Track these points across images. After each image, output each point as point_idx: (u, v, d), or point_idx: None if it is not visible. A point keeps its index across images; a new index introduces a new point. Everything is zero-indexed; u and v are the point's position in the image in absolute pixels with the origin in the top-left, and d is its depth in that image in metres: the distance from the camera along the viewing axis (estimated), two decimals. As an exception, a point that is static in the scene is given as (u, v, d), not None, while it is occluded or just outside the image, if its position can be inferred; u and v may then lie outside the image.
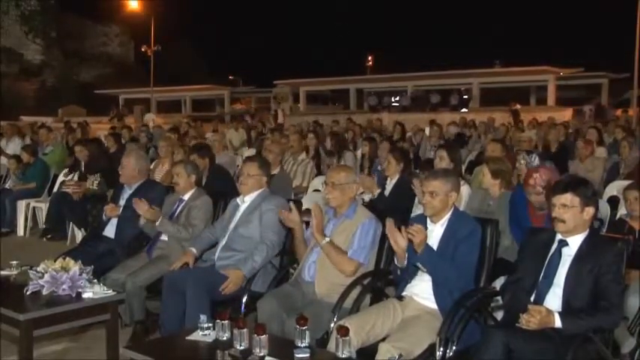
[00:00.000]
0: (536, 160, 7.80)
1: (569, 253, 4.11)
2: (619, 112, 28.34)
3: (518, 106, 28.16)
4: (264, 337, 3.68)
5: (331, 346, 3.91)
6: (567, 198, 4.07)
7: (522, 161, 7.61)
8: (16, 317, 4.60)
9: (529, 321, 3.83)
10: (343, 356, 3.54)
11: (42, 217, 10.79)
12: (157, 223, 5.98)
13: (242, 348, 3.72)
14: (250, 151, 12.12)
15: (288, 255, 5.61)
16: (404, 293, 4.56)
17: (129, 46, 61.95)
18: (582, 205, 4.07)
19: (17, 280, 5.23)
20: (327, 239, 4.90)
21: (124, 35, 61.69)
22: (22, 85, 52.98)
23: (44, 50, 55.75)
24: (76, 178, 10.65)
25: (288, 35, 70.98)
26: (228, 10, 71.71)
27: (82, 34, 59.65)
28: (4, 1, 54.11)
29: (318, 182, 8.91)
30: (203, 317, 4.11)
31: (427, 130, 15.05)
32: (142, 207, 5.94)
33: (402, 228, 4.46)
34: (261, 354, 3.64)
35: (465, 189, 6.36)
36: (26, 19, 55.02)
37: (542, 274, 4.15)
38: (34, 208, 11.05)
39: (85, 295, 4.90)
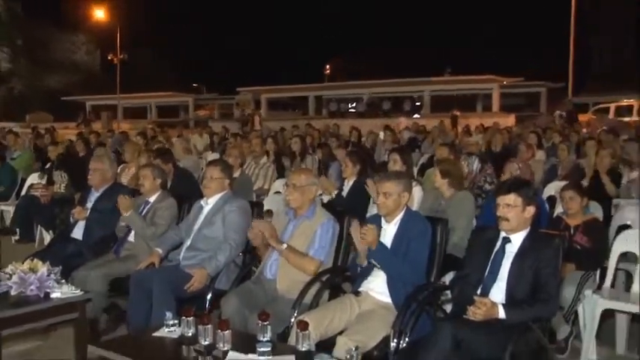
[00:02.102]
0: (475, 162, 7.89)
1: (511, 250, 4.22)
2: (588, 116, 28.98)
3: (457, 113, 28.46)
4: (227, 332, 3.69)
5: (292, 339, 3.93)
6: (511, 198, 4.19)
7: (464, 163, 7.71)
8: (-16, 317, 4.56)
9: (475, 312, 3.93)
10: (303, 349, 3.56)
11: (9, 219, 10.67)
12: (128, 214, 5.96)
13: (206, 343, 3.71)
14: (213, 155, 12.07)
15: (250, 254, 5.61)
16: (360, 289, 4.60)
17: (95, 55, 61.38)
18: (524, 204, 4.19)
19: (-14, 281, 5.17)
20: (285, 245, 4.92)
21: (90, 44, 61.09)
22: (-9, 92, 52.36)
23: (11, 58, 55.10)
24: (44, 181, 10.56)
25: (250, 44, 70.77)
26: (193, 20, 71.34)
27: (49, 43, 58.92)
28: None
29: (279, 184, 8.91)
30: (169, 314, 4.11)
31: (381, 135, 15.12)
32: (124, 202, 5.95)
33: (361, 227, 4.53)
34: (225, 348, 3.65)
35: (416, 190, 6.41)
36: (-7, 27, 54.44)
37: (487, 269, 4.25)
38: (1, 211, 10.92)
39: (53, 295, 4.85)
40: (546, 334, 4.17)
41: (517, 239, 4.23)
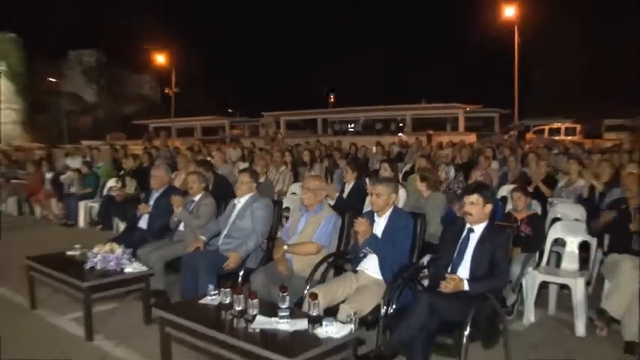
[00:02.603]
0: (452, 170, 7.85)
1: (474, 237, 4.19)
2: (530, 135, 29.33)
3: (432, 132, 28.62)
4: (255, 300, 3.67)
5: (305, 307, 3.92)
6: (474, 197, 4.17)
7: (443, 171, 7.67)
8: (80, 284, 4.83)
9: (447, 286, 3.92)
10: (314, 314, 3.50)
11: (95, 213, 10.68)
12: (179, 210, 5.92)
13: (239, 309, 3.69)
14: (244, 165, 12.01)
15: (272, 241, 5.56)
16: (358, 268, 4.54)
17: (156, 89, 61.64)
18: (484, 202, 4.17)
19: (79, 259, 5.36)
20: (286, 247, 4.97)
21: (153, 81, 61.35)
22: (82, 118, 52.60)
23: (97, 93, 55.42)
24: (119, 184, 10.56)
25: (272, 79, 71.53)
26: (228, 62, 72.12)
27: (124, 81, 59.29)
28: (72, 60, 53.88)
29: (295, 187, 8.86)
30: (211, 286, 4.10)
31: (374, 149, 15.07)
32: (176, 200, 5.93)
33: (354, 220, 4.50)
34: (254, 313, 3.62)
35: (402, 192, 6.38)
36: (86, 71, 54.80)
37: (456, 253, 4.21)
38: (90, 207, 10.93)
39: (126, 270, 5.08)
40: (499, 301, 4.13)
41: (478, 229, 4.19)
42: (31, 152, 18.31)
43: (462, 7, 58.61)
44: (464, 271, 4.09)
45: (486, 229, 4.18)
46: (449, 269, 4.13)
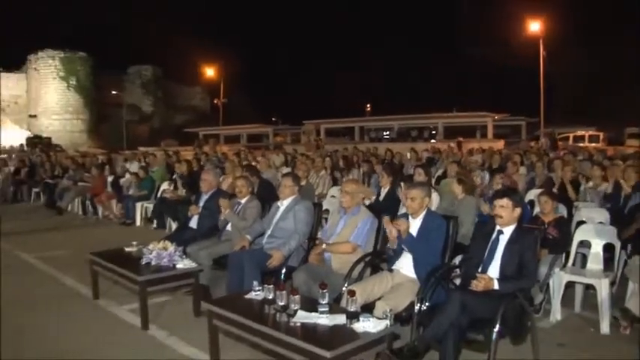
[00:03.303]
0: (486, 175, 7.74)
1: (504, 239, 4.09)
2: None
3: (462, 139, 28.23)
4: (297, 296, 3.64)
5: (343, 303, 3.82)
6: (504, 201, 4.09)
7: (478, 176, 7.56)
8: (136, 278, 4.90)
9: (477, 285, 3.82)
10: (351, 310, 3.44)
11: (150, 213, 10.82)
12: (227, 212, 5.92)
13: (282, 304, 3.65)
14: (287, 169, 12.03)
15: (313, 241, 5.52)
16: (393, 267, 4.47)
17: (206, 100, 62.41)
18: (513, 206, 4.08)
19: (136, 254, 5.42)
20: (324, 246, 4.94)
21: (203, 93, 62.16)
22: (140, 127, 53.61)
23: (153, 104, 56.38)
24: (172, 187, 10.67)
25: (313, 90, 72.03)
26: (271, 74, 72.94)
27: (177, 93, 60.22)
28: (132, 75, 55.03)
29: (334, 190, 8.81)
30: (255, 283, 4.09)
31: (408, 155, 14.94)
32: (224, 203, 5.94)
33: (393, 221, 4.44)
34: (295, 308, 3.59)
35: (434, 195, 6.26)
36: (144, 85, 55.86)
37: (486, 253, 4.11)
38: (146, 207, 11.07)
39: (178, 266, 5.12)
40: (527, 300, 4.03)
41: (508, 231, 4.09)
42: (95, 157, 18.69)
43: (490, 21, 58.00)
44: (494, 270, 4.00)
45: (515, 231, 4.08)
46: (479, 269, 4.04)
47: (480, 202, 6.26)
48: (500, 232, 4.10)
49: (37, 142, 39.97)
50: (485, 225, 4.53)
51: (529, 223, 5.09)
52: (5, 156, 23.26)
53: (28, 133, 44.61)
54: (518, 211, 4.10)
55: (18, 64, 49.33)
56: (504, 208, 4.06)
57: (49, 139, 43.15)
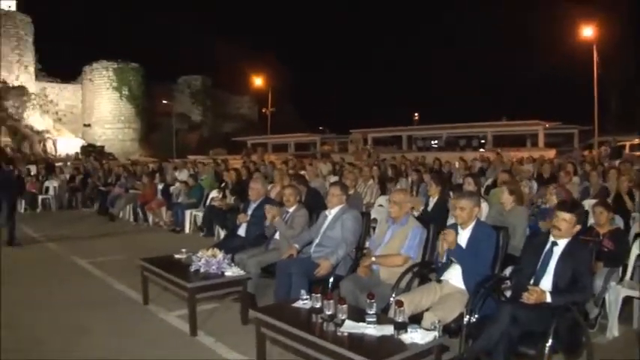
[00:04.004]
0: (535, 185, 7.58)
1: (557, 251, 3.99)
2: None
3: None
4: (344, 306, 3.62)
5: (391, 313, 3.81)
6: (568, 216, 4.00)
7: (527, 186, 7.43)
8: (185, 285, 4.98)
9: (529, 298, 3.74)
10: (399, 320, 3.42)
11: (199, 221, 11.00)
12: (275, 220, 5.97)
13: (330, 313, 3.64)
14: (334, 178, 12.06)
15: (361, 250, 5.52)
16: (442, 278, 4.42)
17: (254, 109, 62.95)
18: (575, 222, 4.01)
19: (185, 262, 5.50)
20: (373, 258, 4.90)
21: (251, 102, 62.72)
22: (189, 136, 54.51)
23: (202, 113, 57.37)
24: (221, 195, 10.83)
25: (360, 98, 72.18)
26: (320, 84, 73.45)
27: (226, 102, 61.02)
28: (182, 84, 56.26)
29: (382, 200, 8.79)
30: (303, 291, 4.11)
31: (457, 164, 14.77)
32: (272, 211, 6.00)
33: (440, 233, 4.41)
34: (343, 318, 3.57)
35: (484, 205, 6.17)
36: (193, 94, 56.90)
37: (539, 265, 4.02)
38: (195, 215, 11.26)
39: (226, 274, 5.18)
40: (581, 314, 3.91)
41: (562, 243, 3.99)
42: (146, 166, 19.17)
43: (541, 27, 56.84)
44: (546, 283, 3.91)
45: (570, 243, 3.98)
46: (531, 281, 3.96)
47: (528, 211, 6.13)
48: (555, 244, 4.00)
49: (90, 150, 41.39)
50: (538, 236, 4.44)
51: (584, 235, 4.96)
52: (61, 164, 24.08)
53: (82, 142, 46.15)
54: (578, 227, 4.02)
55: (74, 75, 51.17)
56: (566, 222, 3.97)
57: (102, 147, 44.63)
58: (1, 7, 45.88)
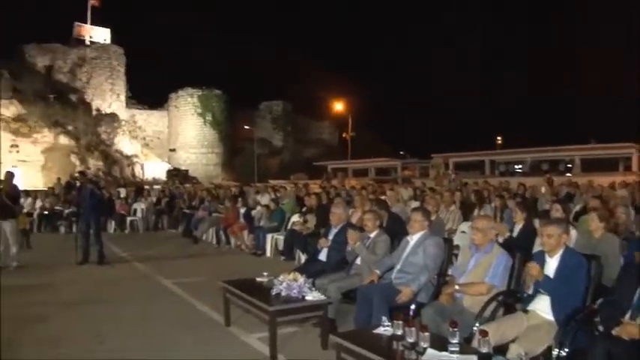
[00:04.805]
0: (632, 212, 7.21)
1: None
2: None
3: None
4: (426, 334, 3.58)
5: (474, 343, 3.72)
6: None
7: (622, 213, 7.08)
8: (267, 308, 5.03)
9: (622, 332, 3.54)
10: (483, 351, 3.35)
11: (280, 245, 11.16)
12: (356, 245, 5.99)
13: (411, 341, 3.61)
14: (415, 204, 11.95)
15: (443, 277, 5.44)
16: (529, 308, 4.29)
17: (335, 134, 63.53)
18: None
19: (267, 285, 5.58)
20: (457, 286, 4.82)
21: (331, 127, 63.37)
22: (270, 160, 55.62)
23: (283, 139, 58.50)
24: (302, 220, 10.97)
25: (441, 123, 71.46)
26: (400, 110, 73.40)
27: (307, 128, 61.97)
28: (263, 110, 57.78)
29: (464, 226, 8.64)
30: (384, 318, 4.10)
31: (543, 189, 14.27)
32: (353, 235, 6.04)
33: (525, 265, 4.28)
34: (425, 346, 3.53)
35: (573, 233, 5.93)
36: (274, 119, 58.22)
37: (635, 297, 3.78)
38: (276, 239, 11.45)
39: (307, 298, 5.20)
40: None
41: (664, 274, 3.74)
42: (229, 190, 19.74)
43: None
44: (645, 318, 3.67)
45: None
46: (628, 314, 3.73)
47: (620, 240, 5.83)
48: (656, 276, 3.79)
49: (175, 174, 43.23)
50: (634, 266, 4.21)
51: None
52: (149, 187, 25.21)
53: (168, 166, 48.23)
54: None
55: (161, 102, 53.77)
56: None
57: (187, 171, 46.50)
58: (97, 41, 49.27)
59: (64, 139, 41.01)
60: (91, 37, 50.01)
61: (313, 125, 63.47)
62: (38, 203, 17.53)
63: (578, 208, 10.60)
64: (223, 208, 14.22)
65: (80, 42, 49.09)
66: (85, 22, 49.89)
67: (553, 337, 3.84)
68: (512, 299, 4.74)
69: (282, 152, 58.03)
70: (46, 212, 16.95)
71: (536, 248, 5.57)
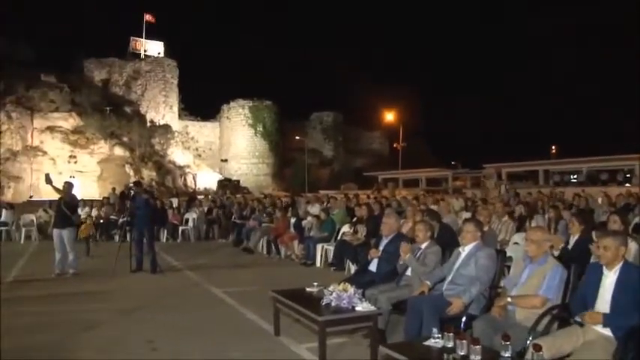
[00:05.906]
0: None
1: None
2: None
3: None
4: (478, 347, 3.54)
5: (527, 357, 3.66)
6: None
7: None
8: (317, 318, 5.04)
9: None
10: (537, 366, 3.29)
11: (330, 255, 11.19)
12: (407, 257, 5.98)
13: (462, 354, 3.58)
14: (466, 214, 11.78)
15: (495, 289, 5.35)
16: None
17: (385, 144, 63.47)
18: None
19: (317, 295, 5.61)
20: (509, 299, 4.71)
21: (382, 137, 63.34)
22: (321, 171, 56.00)
23: (334, 149, 58.76)
24: (352, 230, 10.98)
25: (492, 135, 70.35)
26: (450, 117, 72.64)
27: (357, 138, 62.12)
28: (314, 121, 58.27)
29: (517, 237, 8.47)
30: (434, 330, 4.06)
31: (599, 200, 13.85)
32: (405, 248, 6.03)
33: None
34: (476, 359, 3.49)
35: (632, 245, 5.75)
36: (325, 130, 58.62)
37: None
38: (326, 249, 11.49)
39: (357, 308, 5.20)
40: None
41: None
42: (279, 200, 19.91)
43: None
44: None
45: None
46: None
47: None
48: None
49: (226, 184, 44.01)
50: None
51: None
52: (202, 197, 25.69)
53: (219, 176, 49.12)
54: None
55: (212, 113, 54.97)
56: None
57: (238, 181, 47.30)
58: (152, 54, 50.84)
59: (119, 150, 42.47)
60: (145, 50, 51.75)
61: (364, 135, 63.55)
62: (94, 212, 18.11)
63: (638, 219, 10.25)
64: (274, 219, 14.36)
65: (135, 56, 50.88)
66: (141, 37, 51.56)
67: (611, 354, 3.73)
68: (567, 313, 4.63)
69: (332, 162, 58.29)
70: (101, 221, 17.51)
71: (593, 260, 5.43)
